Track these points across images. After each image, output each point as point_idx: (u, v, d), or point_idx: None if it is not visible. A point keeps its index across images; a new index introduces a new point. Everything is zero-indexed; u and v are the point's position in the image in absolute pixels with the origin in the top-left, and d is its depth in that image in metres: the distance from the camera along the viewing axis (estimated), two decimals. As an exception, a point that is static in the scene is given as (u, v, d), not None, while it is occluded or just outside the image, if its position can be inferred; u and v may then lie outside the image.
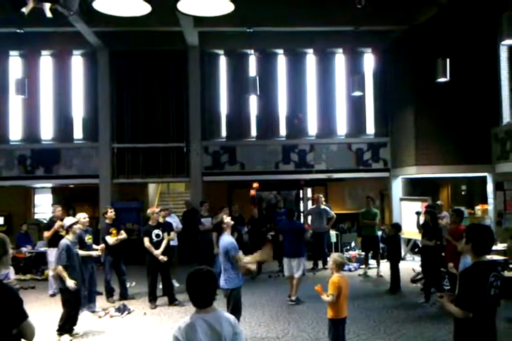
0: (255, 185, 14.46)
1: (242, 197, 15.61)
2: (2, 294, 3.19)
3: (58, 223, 9.83)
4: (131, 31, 13.24)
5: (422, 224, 9.45)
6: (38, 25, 11.96)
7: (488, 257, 4.07)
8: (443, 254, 8.66)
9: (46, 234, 10.01)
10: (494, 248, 9.14)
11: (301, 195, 16.80)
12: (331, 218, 12.83)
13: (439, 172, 13.14)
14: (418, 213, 9.97)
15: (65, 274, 7.12)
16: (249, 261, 6.45)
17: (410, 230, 12.16)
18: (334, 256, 5.88)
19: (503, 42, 9.05)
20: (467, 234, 3.90)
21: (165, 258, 8.99)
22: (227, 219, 6.60)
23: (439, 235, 8.85)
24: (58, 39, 13.74)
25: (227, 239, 6.36)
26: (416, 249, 13.38)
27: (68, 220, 7.77)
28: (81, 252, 7.92)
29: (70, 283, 7.08)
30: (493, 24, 11.84)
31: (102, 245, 9.02)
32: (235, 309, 6.23)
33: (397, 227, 10.49)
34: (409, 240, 13.66)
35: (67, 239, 7.45)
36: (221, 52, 14.66)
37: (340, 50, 14.78)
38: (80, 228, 8.00)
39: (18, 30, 12.13)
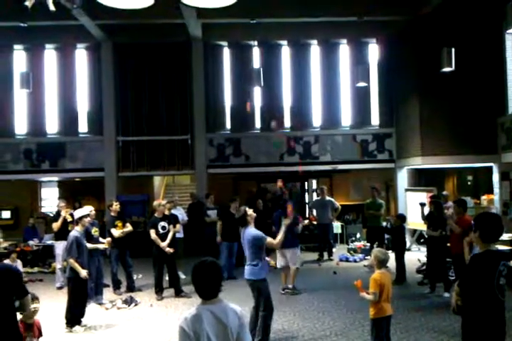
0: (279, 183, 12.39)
1: (247, 189, 15.62)
2: (6, 272, 3.79)
3: (65, 210, 9.94)
4: (135, 24, 13.22)
5: (427, 214, 9.44)
6: (41, 18, 11.95)
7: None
8: (448, 245, 8.65)
9: (55, 225, 10.08)
10: (500, 238, 9.12)
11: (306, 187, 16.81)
12: (336, 209, 12.85)
13: (445, 163, 13.10)
14: (423, 204, 9.95)
15: (77, 265, 7.21)
16: (278, 240, 6.47)
17: (416, 221, 12.15)
18: (376, 252, 5.47)
19: (508, 31, 9.02)
20: (475, 223, 3.87)
21: (171, 250, 9.04)
22: (250, 211, 6.54)
23: (443, 225, 8.84)
24: (62, 32, 13.71)
25: (254, 231, 6.34)
26: (422, 240, 13.38)
27: (79, 212, 7.82)
28: (88, 245, 7.96)
29: (84, 273, 7.22)
30: (499, 13, 11.78)
31: (109, 238, 9.06)
32: (267, 299, 6.27)
33: (402, 218, 10.48)
34: (414, 231, 13.66)
35: (76, 231, 7.52)
36: (225, 43, 14.61)
37: (345, 41, 14.69)
38: (89, 221, 8.04)
39: (22, 24, 12.13)
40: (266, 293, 6.32)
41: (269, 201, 13.91)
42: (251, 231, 6.36)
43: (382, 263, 5.39)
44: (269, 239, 6.30)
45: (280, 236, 6.39)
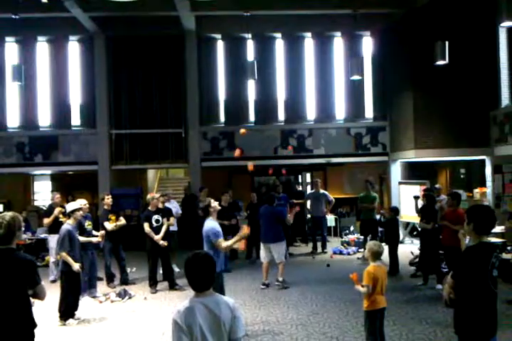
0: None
1: (241, 183, 15.63)
2: (22, 261, 3.98)
3: (58, 209, 9.87)
4: (128, 16, 13.15)
5: (420, 207, 9.49)
6: (33, 10, 11.86)
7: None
8: (440, 237, 8.69)
9: (46, 220, 10.05)
10: (492, 230, 9.17)
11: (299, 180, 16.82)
12: (330, 202, 12.88)
13: (438, 156, 13.14)
14: (416, 197, 9.99)
15: (69, 259, 7.19)
16: (227, 245, 6.39)
17: (409, 213, 12.22)
18: (370, 244, 5.51)
19: (502, 25, 9.01)
20: (468, 215, 3.90)
21: (165, 243, 9.04)
22: (215, 204, 6.56)
23: (436, 218, 8.89)
24: (54, 25, 13.62)
25: (209, 224, 6.31)
26: (415, 232, 13.45)
27: (71, 205, 7.78)
28: (81, 238, 7.94)
29: (76, 267, 7.21)
30: (492, 6, 11.77)
31: (102, 232, 9.02)
32: (220, 292, 6.27)
33: (395, 211, 10.54)
34: (407, 223, 13.72)
35: (68, 225, 7.49)
36: (218, 36, 14.53)
37: (339, 34, 14.64)
38: (81, 214, 8.01)
39: (14, 16, 11.98)
40: (219, 286, 6.30)
41: (263, 194, 13.92)
42: (208, 223, 6.35)
43: (376, 255, 5.40)
44: (220, 240, 6.19)
45: (230, 243, 6.33)
